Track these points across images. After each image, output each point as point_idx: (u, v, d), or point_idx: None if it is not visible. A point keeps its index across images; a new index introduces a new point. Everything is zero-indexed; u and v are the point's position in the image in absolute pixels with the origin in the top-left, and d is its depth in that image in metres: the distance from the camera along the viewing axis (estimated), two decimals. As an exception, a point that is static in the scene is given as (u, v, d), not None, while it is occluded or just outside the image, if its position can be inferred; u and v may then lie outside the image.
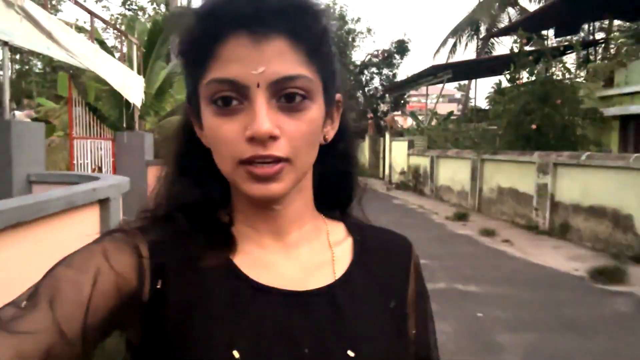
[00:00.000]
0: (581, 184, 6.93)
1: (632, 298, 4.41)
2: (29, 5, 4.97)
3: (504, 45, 19.54)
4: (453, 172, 11.49)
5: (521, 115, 8.20)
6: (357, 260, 0.59)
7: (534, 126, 7.93)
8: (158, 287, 0.50)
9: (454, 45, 21.09)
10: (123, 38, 8.79)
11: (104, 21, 8.50)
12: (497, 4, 19.26)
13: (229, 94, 0.48)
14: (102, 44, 9.63)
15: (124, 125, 8.98)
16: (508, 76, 9.75)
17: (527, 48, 10.85)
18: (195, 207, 0.55)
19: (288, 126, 0.49)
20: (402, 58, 20.45)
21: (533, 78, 9.05)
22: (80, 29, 9.76)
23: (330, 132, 0.57)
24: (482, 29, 20.73)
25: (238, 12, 0.47)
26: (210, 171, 0.55)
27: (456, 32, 20.75)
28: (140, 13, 22.22)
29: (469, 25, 20.43)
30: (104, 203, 3.90)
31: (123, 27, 12.45)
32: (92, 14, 7.08)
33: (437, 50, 21.88)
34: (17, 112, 6.03)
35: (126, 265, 0.50)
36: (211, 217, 0.56)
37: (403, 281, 0.61)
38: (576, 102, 8.53)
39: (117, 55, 9.61)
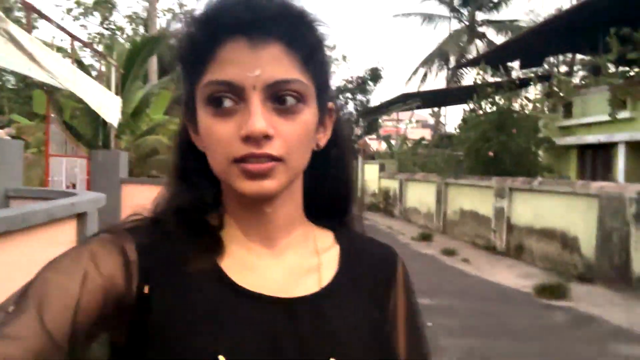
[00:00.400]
0: (533, 208, 7.48)
1: (569, 311, 4.86)
2: (12, 28, 5.25)
3: (472, 75, 20.51)
4: (420, 195, 12.02)
5: (479, 142, 8.82)
6: (343, 268, 0.59)
7: (490, 153, 8.54)
8: (145, 292, 0.51)
9: (425, 75, 22.06)
10: (102, 59, 9.04)
11: (83, 43, 8.80)
12: (466, 36, 20.31)
13: (225, 95, 0.50)
14: (80, 63, 9.89)
15: (100, 143, 9.16)
16: (471, 105, 10.42)
17: (492, 79, 11.62)
18: (186, 210, 0.56)
19: (282, 127, 0.50)
20: (375, 85, 21.20)
21: (494, 108, 9.73)
22: (59, 49, 9.97)
23: (323, 139, 0.58)
24: (452, 59, 21.75)
25: (237, 18, 0.49)
26: (203, 175, 0.57)
27: (427, 62, 21.71)
28: (118, 33, 22.45)
29: (438, 56, 21.42)
30: (81, 217, 4.14)
31: (101, 48, 12.69)
32: (72, 36, 7.37)
33: (409, 79, 22.79)
34: (1, 132, 6.23)
35: (113, 268, 0.50)
36: (201, 220, 0.56)
37: (387, 291, 0.61)
38: (531, 130, 9.19)
39: (95, 73, 9.85)
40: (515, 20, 20.50)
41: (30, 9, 6.36)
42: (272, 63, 0.49)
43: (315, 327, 0.53)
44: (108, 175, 8.53)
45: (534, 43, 13.32)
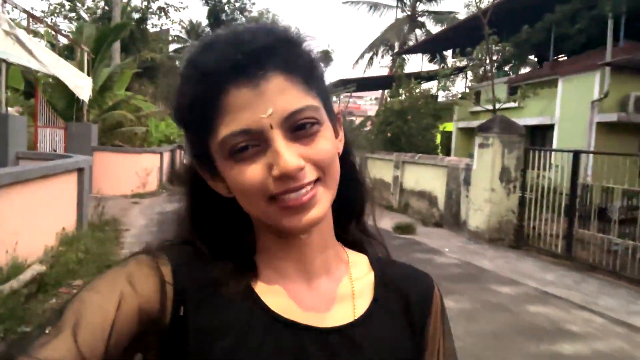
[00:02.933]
0: (415, 176, 10.16)
1: (409, 239, 7.54)
2: (19, 32, 7.33)
3: (414, 61, 23.06)
4: (348, 167, 14.63)
5: (382, 126, 11.44)
6: (378, 297, 0.60)
7: (389, 134, 11.18)
8: (180, 314, 0.52)
9: (371, 59, 24.49)
10: (77, 46, 10.97)
11: (60, 33, 10.68)
12: (407, 26, 22.79)
13: (245, 144, 0.49)
14: (52, 45, 11.73)
15: (73, 116, 11.16)
16: (389, 93, 13.04)
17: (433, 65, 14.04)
18: (218, 235, 0.58)
19: (309, 152, 0.50)
20: (326, 67, 23.45)
21: (405, 95, 12.36)
22: (36, 33, 11.72)
23: (340, 145, 0.59)
24: (397, 45, 24.23)
25: (231, 64, 0.48)
26: (229, 217, 0.58)
27: (372, 48, 24.13)
28: (79, 4, 23.51)
29: (382, 42, 23.89)
30: (80, 171, 6.39)
31: (72, 30, 14.32)
32: (55, 30, 9.35)
33: (356, 62, 25.22)
34: (9, 108, 8.18)
35: (150, 290, 0.51)
36: (234, 243, 0.58)
37: (423, 321, 0.61)
38: (428, 116, 11.88)
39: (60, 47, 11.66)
40: (453, 12, 23.09)
41: (29, 15, 8.35)
42: (280, 96, 0.49)
43: (350, 358, 0.54)
44: (81, 144, 10.59)
45: (460, 36, 15.57)
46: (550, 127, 12.50)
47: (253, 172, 0.50)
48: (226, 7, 25.16)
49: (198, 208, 0.59)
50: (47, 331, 0.46)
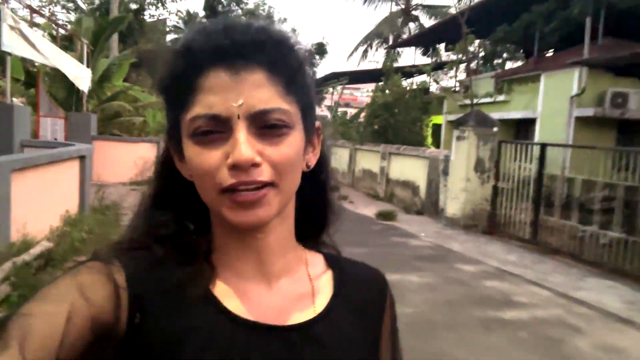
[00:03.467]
0: (400, 166, 10.69)
1: (389, 225, 8.08)
2: (23, 26, 7.78)
3: (408, 54, 23.48)
4: (339, 157, 15.14)
5: (371, 118, 11.94)
6: (337, 293, 0.61)
7: (376, 127, 11.69)
8: (136, 321, 0.51)
9: (365, 51, 24.92)
10: (77, 38, 11.39)
11: (60, 26, 11.09)
12: (401, 19, 23.20)
13: (210, 128, 0.50)
14: (53, 37, 12.15)
15: (73, 106, 11.61)
16: (377, 87, 13.52)
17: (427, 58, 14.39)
18: (173, 236, 0.56)
19: (269, 152, 0.50)
20: (320, 59, 23.93)
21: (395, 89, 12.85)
22: (36, 25, 12.14)
23: (312, 158, 0.59)
24: (391, 38, 24.63)
25: (216, 46, 0.49)
26: (189, 202, 0.57)
27: (367, 40, 24.54)
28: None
29: (376, 35, 24.30)
30: (82, 159, 6.89)
31: (71, 22, 14.71)
32: (56, 23, 9.77)
33: (351, 54, 25.62)
34: (14, 99, 8.65)
35: (102, 298, 0.49)
36: (190, 245, 0.56)
37: (379, 315, 0.64)
38: (416, 110, 12.39)
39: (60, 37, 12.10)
40: (446, 7, 23.50)
41: (31, 10, 8.77)
42: (255, 91, 0.49)
43: (313, 355, 0.55)
44: (81, 133, 11.05)
45: (453, 29, 15.84)
46: (533, 121, 13.00)
47: (210, 157, 0.50)
48: (223, -1, 25.49)
49: (162, 191, 0.59)
50: None
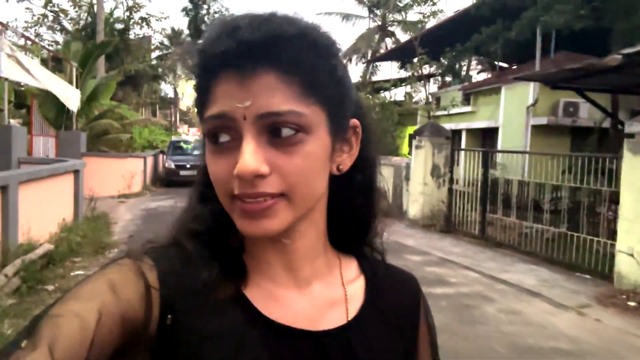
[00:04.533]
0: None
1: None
2: (19, 55, 8.62)
3: (385, 68, 24.64)
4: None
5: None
6: (370, 300, 0.60)
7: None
8: (168, 323, 0.50)
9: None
10: (67, 62, 12.23)
11: (51, 51, 11.92)
12: (377, 35, 24.36)
13: (220, 130, 0.49)
14: (44, 61, 12.98)
15: (63, 125, 12.40)
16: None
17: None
18: (205, 234, 0.56)
19: (280, 161, 0.48)
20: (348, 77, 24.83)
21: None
22: (29, 50, 12.95)
23: (347, 161, 0.56)
24: (369, 53, 25.78)
25: (223, 50, 0.47)
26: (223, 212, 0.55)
27: (345, 56, 25.62)
28: (62, 15, 24.64)
29: (353, 51, 25.42)
30: (76, 173, 7.71)
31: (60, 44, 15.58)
32: (48, 50, 10.60)
33: (331, 68, 26.52)
34: (11, 120, 9.47)
35: (133, 296, 0.49)
36: (222, 244, 0.56)
37: (414, 321, 0.63)
38: (388, 120, 13.36)
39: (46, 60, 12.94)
40: (421, 22, 24.71)
41: (26, 38, 9.62)
42: (265, 94, 0.47)
43: None
44: (71, 150, 11.83)
45: (429, 43, 16.68)
46: (496, 130, 14.04)
47: (221, 165, 0.49)
48: (206, 18, 26.47)
49: (202, 186, 0.58)
50: (22, 345, 0.43)
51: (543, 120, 12.20)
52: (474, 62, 20.23)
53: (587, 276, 5.71)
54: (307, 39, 0.49)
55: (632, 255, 5.13)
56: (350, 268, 0.63)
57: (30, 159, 8.88)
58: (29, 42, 12.69)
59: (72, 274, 5.44)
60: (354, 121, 0.56)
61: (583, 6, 8.48)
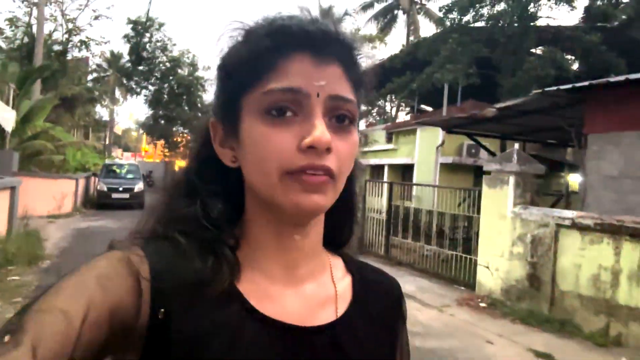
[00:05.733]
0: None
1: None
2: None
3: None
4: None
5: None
6: (357, 298, 0.63)
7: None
8: (160, 317, 0.49)
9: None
10: (4, 83, 12.57)
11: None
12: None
13: (287, 104, 0.51)
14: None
15: (-5, 144, 12.59)
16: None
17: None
18: (200, 227, 0.55)
19: (338, 145, 0.52)
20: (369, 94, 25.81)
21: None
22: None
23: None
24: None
25: (307, 32, 0.51)
26: (221, 192, 0.57)
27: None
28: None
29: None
30: (12, 189, 8.20)
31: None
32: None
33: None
34: None
35: (123, 290, 0.48)
36: (216, 239, 0.55)
37: (395, 325, 0.66)
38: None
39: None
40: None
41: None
42: (334, 80, 0.52)
43: (333, 357, 0.56)
44: (3, 169, 11.99)
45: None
46: (412, 166, 15.69)
47: (281, 138, 0.50)
48: (147, 46, 27.06)
49: (195, 178, 0.58)
50: (5, 340, 0.42)
51: (449, 160, 13.95)
52: (403, 103, 22.26)
53: (462, 287, 7.02)
54: (359, 50, 0.57)
55: (487, 267, 6.50)
56: (338, 267, 0.65)
57: (-37, 176, 9.18)
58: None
59: (8, 279, 6.02)
60: (360, 135, 0.61)
61: (471, 66, 10.22)
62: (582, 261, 5.33)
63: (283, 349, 0.54)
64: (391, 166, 16.96)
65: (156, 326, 0.50)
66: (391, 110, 20.12)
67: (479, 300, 6.25)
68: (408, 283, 7.06)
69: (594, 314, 5.13)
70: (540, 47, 12.39)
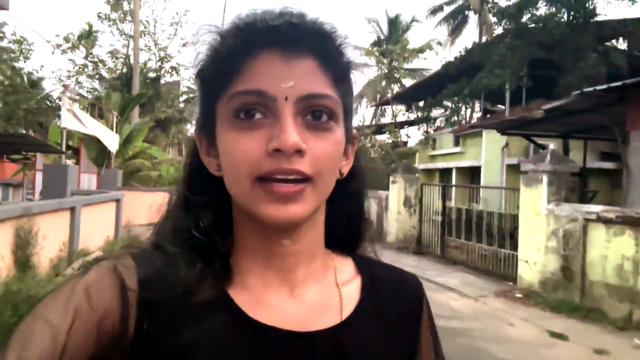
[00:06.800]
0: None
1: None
2: (75, 108, 11.09)
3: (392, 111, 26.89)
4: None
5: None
6: (365, 301, 0.59)
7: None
8: (145, 328, 0.49)
9: (356, 109, 28.40)
10: (110, 113, 14.85)
11: (93, 103, 14.52)
12: (385, 82, 26.75)
13: (254, 107, 0.49)
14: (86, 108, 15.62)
15: (103, 163, 14.86)
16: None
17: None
18: (191, 237, 0.54)
19: (313, 144, 0.49)
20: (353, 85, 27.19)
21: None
22: (79, 101, 15.71)
23: (345, 167, 0.57)
24: (378, 97, 28.15)
25: (272, 28, 0.48)
26: (212, 201, 0.56)
27: (355, 100, 27.92)
28: (100, 65, 27.95)
29: (360, 97, 27.86)
30: (118, 201, 9.95)
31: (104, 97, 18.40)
32: (92, 102, 13.11)
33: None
34: (67, 160, 11.96)
35: (109, 301, 0.48)
36: (207, 245, 0.54)
37: (414, 325, 0.61)
38: (379, 159, 15.41)
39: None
40: (426, 69, 27.10)
41: (80, 95, 12.17)
42: (306, 77, 0.49)
43: None
44: (109, 184, 14.20)
45: (427, 89, 18.18)
46: (479, 168, 15.89)
47: (249, 142, 0.48)
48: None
49: (187, 189, 0.57)
50: None
51: (515, 161, 14.04)
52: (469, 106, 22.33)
53: (510, 283, 7.48)
54: (342, 40, 0.53)
55: (526, 262, 6.95)
56: (346, 269, 0.62)
57: (80, 191, 11.18)
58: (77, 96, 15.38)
59: (116, 272, 7.55)
60: (355, 132, 0.59)
61: (522, 69, 10.51)
62: (607, 252, 5.70)
63: (279, 356, 0.51)
64: (459, 169, 17.23)
65: (142, 337, 0.49)
66: (465, 112, 20.31)
67: (517, 292, 6.73)
68: (454, 278, 7.67)
69: (619, 301, 5.49)
70: (607, 43, 12.25)
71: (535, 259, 6.79)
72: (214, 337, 0.50)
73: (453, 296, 6.51)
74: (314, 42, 0.50)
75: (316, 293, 0.57)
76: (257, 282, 0.55)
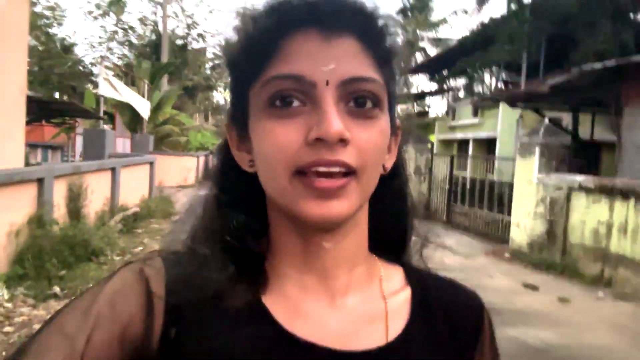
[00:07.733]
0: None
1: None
2: (111, 78, 12.04)
3: (415, 80, 27.15)
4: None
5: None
6: (416, 317, 0.53)
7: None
8: (172, 337, 0.47)
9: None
10: (140, 80, 15.83)
11: (126, 71, 15.48)
12: (408, 50, 26.95)
13: (292, 93, 0.45)
14: (118, 75, 16.64)
15: (135, 129, 15.94)
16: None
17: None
18: (224, 239, 0.51)
19: (358, 133, 0.45)
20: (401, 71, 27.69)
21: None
22: (111, 69, 16.71)
23: (388, 161, 0.53)
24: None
25: (311, 6, 0.44)
26: (245, 200, 0.53)
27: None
28: (130, 32, 28.89)
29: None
30: (151, 164, 10.98)
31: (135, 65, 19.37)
32: (127, 72, 14.06)
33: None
34: (105, 126, 13.06)
35: (133, 308, 0.46)
36: (241, 248, 0.51)
37: (470, 348, 0.55)
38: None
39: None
40: (449, 39, 27.12)
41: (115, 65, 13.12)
42: (348, 58, 0.45)
43: None
44: (142, 148, 15.28)
45: (453, 59, 17.86)
46: (495, 140, 16.32)
47: (287, 132, 0.44)
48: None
49: (220, 188, 0.54)
50: None
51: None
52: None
53: (500, 244, 8.23)
54: (387, 19, 0.48)
55: (517, 225, 7.68)
56: (394, 279, 0.56)
57: (116, 154, 12.28)
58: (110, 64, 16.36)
59: (150, 226, 8.59)
60: (399, 122, 0.54)
61: (532, 43, 10.90)
62: (586, 218, 6.39)
63: None
64: (476, 140, 17.67)
65: (169, 345, 0.46)
66: (490, 82, 20.56)
67: (506, 252, 7.49)
68: (452, 239, 8.46)
69: (593, 260, 6.21)
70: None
71: (525, 223, 7.50)
72: (248, 347, 0.47)
73: (445, 254, 7.29)
74: (355, 20, 0.46)
75: (359, 304, 0.52)
76: (294, 288, 0.51)
